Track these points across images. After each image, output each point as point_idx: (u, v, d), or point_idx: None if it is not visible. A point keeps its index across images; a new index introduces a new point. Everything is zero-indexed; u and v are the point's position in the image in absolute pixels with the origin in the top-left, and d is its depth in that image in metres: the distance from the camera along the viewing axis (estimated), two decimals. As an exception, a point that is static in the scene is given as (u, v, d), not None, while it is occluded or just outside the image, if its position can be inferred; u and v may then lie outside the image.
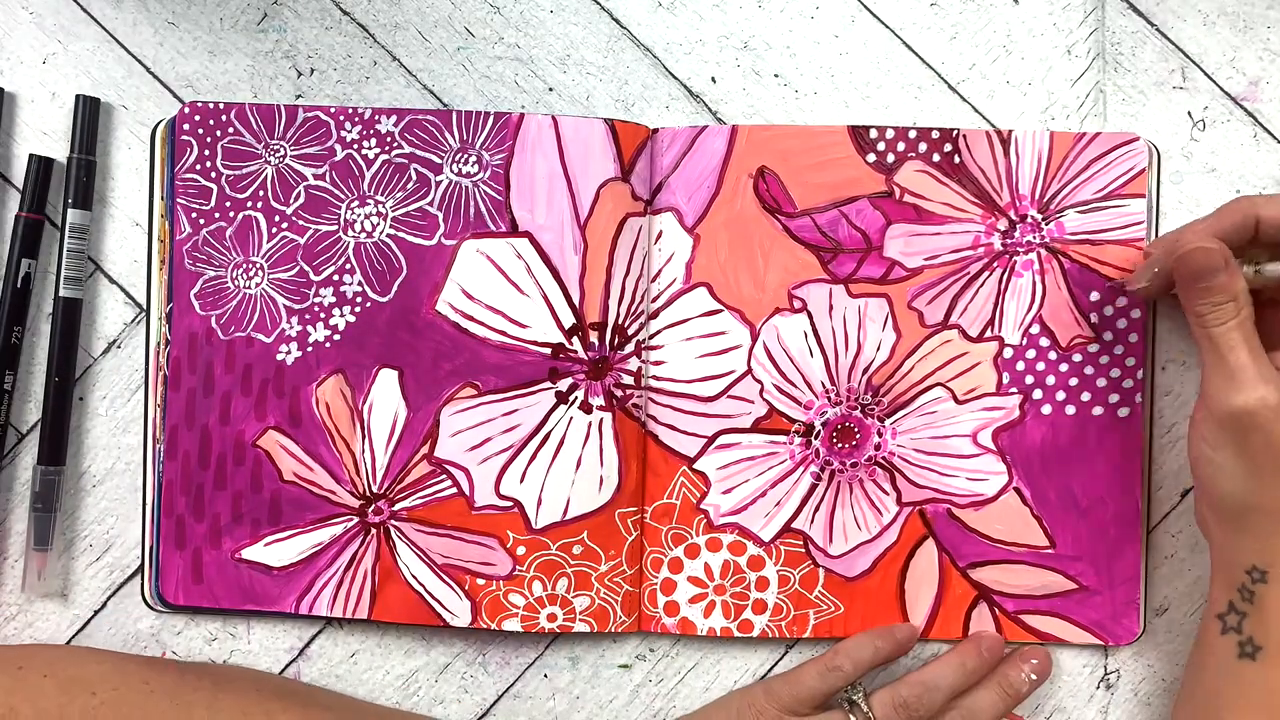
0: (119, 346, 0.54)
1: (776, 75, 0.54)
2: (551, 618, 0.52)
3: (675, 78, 0.54)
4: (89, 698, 0.47)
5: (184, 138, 0.52)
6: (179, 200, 0.53)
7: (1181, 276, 0.46)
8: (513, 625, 0.52)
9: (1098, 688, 0.54)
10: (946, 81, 0.54)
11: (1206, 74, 0.54)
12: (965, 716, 0.50)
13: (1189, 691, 0.49)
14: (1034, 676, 0.51)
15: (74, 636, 0.54)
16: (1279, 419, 0.43)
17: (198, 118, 0.53)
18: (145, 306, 0.53)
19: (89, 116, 0.53)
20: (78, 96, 0.53)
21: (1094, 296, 0.52)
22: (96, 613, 0.54)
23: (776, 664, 0.54)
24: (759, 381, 0.53)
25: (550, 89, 0.54)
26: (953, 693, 0.50)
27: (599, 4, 0.54)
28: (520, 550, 0.52)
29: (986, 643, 0.52)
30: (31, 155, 0.53)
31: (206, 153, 0.52)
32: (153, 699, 0.48)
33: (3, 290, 0.52)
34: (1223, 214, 0.47)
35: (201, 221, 0.53)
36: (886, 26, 0.54)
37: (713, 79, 0.54)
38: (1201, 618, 0.49)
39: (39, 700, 0.47)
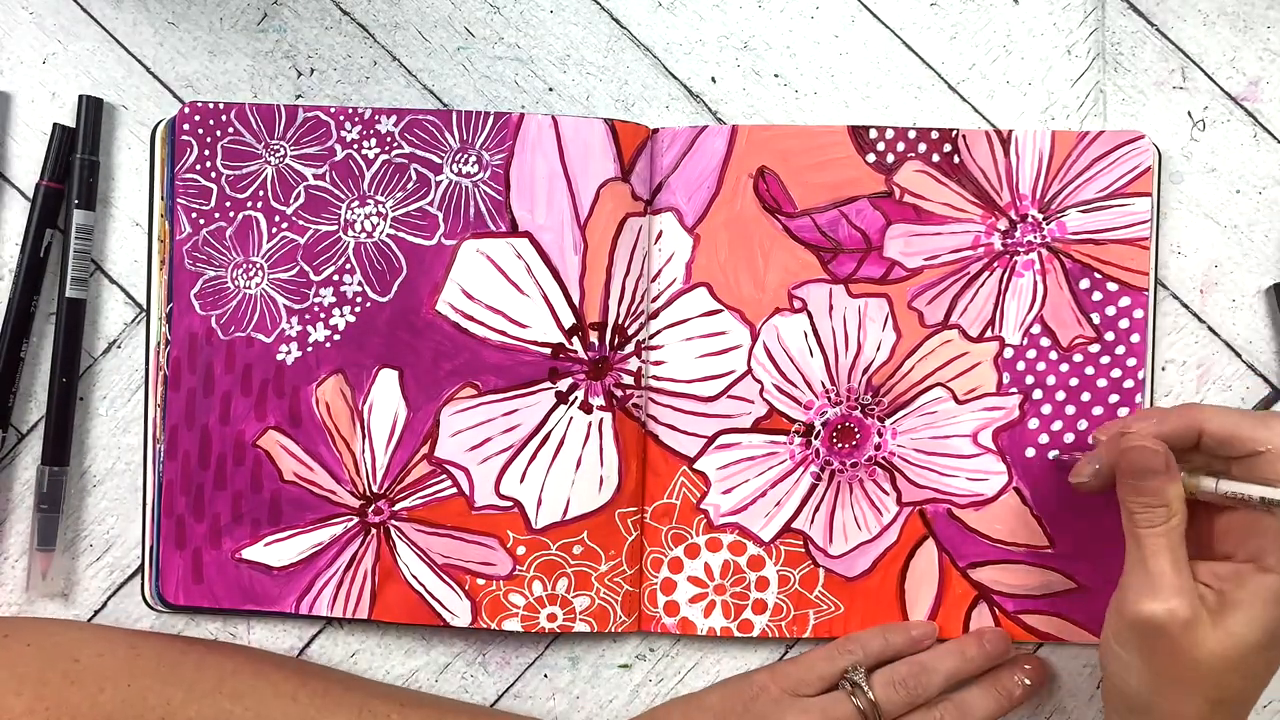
0: (119, 346, 0.54)
1: (776, 75, 0.54)
2: (551, 618, 0.52)
3: (675, 78, 0.54)
4: (71, 664, 0.48)
5: (184, 138, 0.52)
6: (179, 200, 0.53)
7: (1120, 471, 0.46)
8: (513, 625, 0.52)
9: (1098, 688, 0.54)
10: (946, 81, 0.54)
11: (1206, 74, 0.54)
12: (957, 709, 0.50)
13: None
14: (1027, 682, 0.52)
15: (74, 636, 0.54)
16: (1184, 632, 0.43)
17: (198, 118, 0.53)
18: (145, 306, 0.53)
19: (93, 117, 0.53)
20: (81, 97, 0.53)
21: (1096, 296, 0.52)
22: (96, 613, 0.54)
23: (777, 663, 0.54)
24: (759, 381, 0.53)
25: (550, 89, 0.54)
26: (950, 678, 0.51)
27: (599, 4, 0.54)
28: (520, 550, 0.52)
29: (989, 636, 0.52)
30: (55, 124, 0.53)
31: (206, 153, 0.53)
32: (139, 661, 0.49)
33: (19, 261, 0.52)
34: (1168, 417, 0.46)
35: (201, 221, 0.53)
36: (886, 26, 0.54)
37: (713, 79, 0.54)
38: None
39: (19, 666, 0.47)
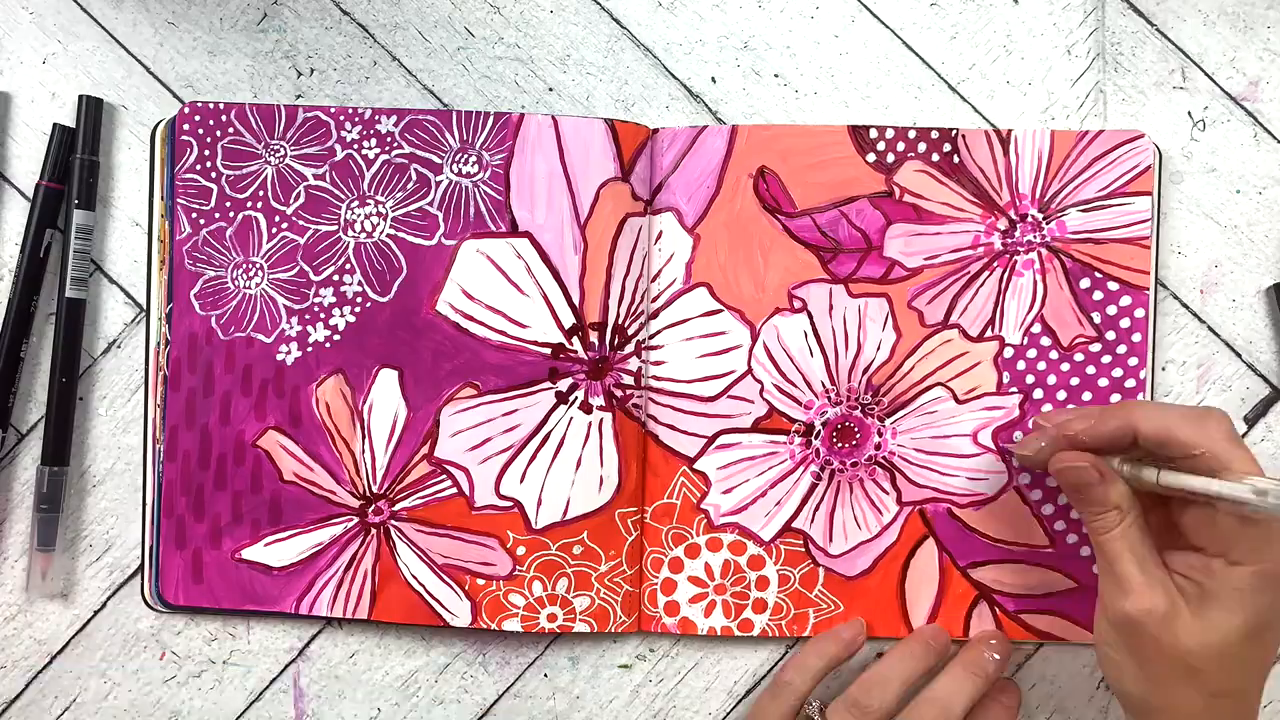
0: (119, 346, 0.54)
1: (776, 75, 0.54)
2: (551, 618, 0.52)
3: (675, 78, 0.54)
4: None
5: (184, 138, 0.52)
6: (179, 200, 0.53)
7: (1062, 486, 0.46)
8: (513, 625, 0.52)
9: (1098, 688, 0.54)
10: (946, 81, 0.54)
11: (1206, 74, 0.54)
12: (935, 706, 0.49)
13: None
14: (997, 657, 0.51)
15: (74, 636, 0.54)
16: (1164, 627, 0.43)
17: (198, 118, 0.53)
18: (145, 306, 0.53)
19: (93, 117, 0.53)
20: (81, 97, 0.53)
21: (1097, 296, 0.52)
22: (96, 613, 0.54)
23: (777, 663, 0.54)
24: (759, 381, 0.53)
25: (550, 89, 0.54)
26: (906, 684, 0.49)
27: (599, 4, 0.54)
28: (520, 550, 0.52)
29: (928, 633, 0.52)
30: (55, 124, 0.53)
31: (206, 153, 0.53)
32: None
33: (19, 261, 0.52)
34: (1104, 418, 0.46)
35: (201, 221, 0.53)
36: (886, 26, 0.54)
37: (713, 79, 0.54)
38: None
39: None
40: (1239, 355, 0.53)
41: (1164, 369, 0.53)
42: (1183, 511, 0.45)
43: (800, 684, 0.50)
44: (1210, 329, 0.53)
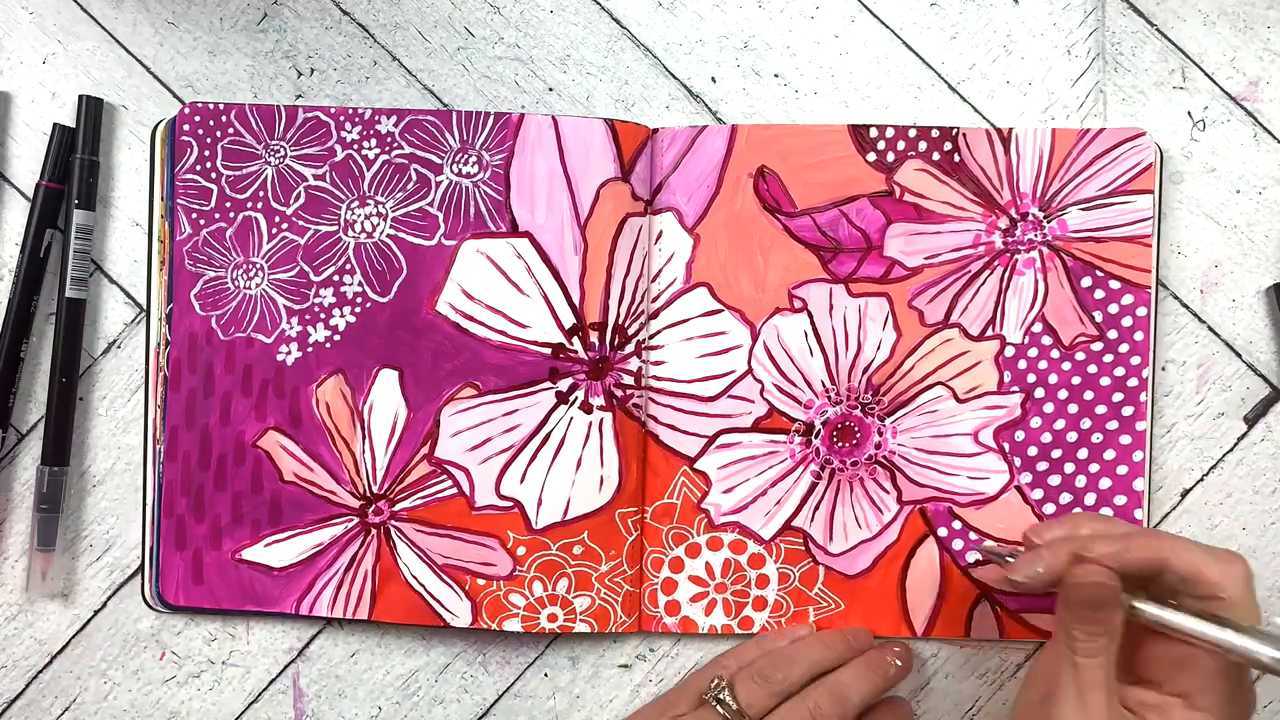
0: (119, 347, 0.54)
1: (776, 75, 0.54)
2: (552, 618, 0.52)
3: (675, 78, 0.54)
4: None
5: (184, 138, 0.52)
6: (179, 200, 0.53)
7: (1070, 597, 0.44)
8: (513, 625, 0.52)
9: (1099, 688, 0.54)
10: (946, 81, 0.54)
11: (1206, 74, 0.54)
12: (830, 692, 0.49)
13: None
14: (898, 663, 0.51)
15: (74, 636, 0.54)
16: None
17: (198, 118, 0.53)
18: (145, 307, 0.53)
19: (93, 117, 0.53)
20: (81, 97, 0.53)
21: (1098, 294, 0.52)
22: (96, 613, 0.54)
23: (777, 664, 0.54)
24: (759, 381, 0.53)
25: (550, 89, 0.54)
26: (813, 667, 0.50)
27: (599, 4, 0.54)
28: (520, 550, 0.52)
29: (851, 632, 0.52)
30: (55, 124, 0.53)
31: (206, 153, 0.53)
32: None
33: (19, 261, 0.52)
34: (1133, 546, 0.44)
35: (201, 222, 0.53)
36: (886, 26, 0.54)
37: (713, 79, 0.54)
38: None
39: None
40: (1239, 355, 0.53)
41: (1164, 369, 0.53)
42: (1149, 640, 0.44)
43: (733, 670, 0.50)
44: (1210, 329, 0.53)
